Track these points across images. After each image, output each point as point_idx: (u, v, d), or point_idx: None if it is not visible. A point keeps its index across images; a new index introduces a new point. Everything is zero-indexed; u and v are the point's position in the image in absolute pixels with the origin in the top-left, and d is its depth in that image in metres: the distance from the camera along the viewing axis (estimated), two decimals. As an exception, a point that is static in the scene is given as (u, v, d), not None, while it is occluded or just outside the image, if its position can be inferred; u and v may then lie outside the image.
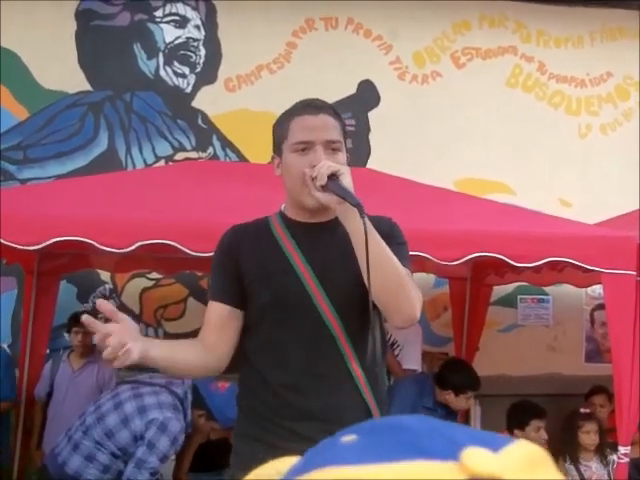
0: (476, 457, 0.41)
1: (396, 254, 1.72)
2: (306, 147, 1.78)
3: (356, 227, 1.66)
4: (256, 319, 1.85)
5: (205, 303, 5.96)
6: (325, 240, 1.84)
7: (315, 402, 1.78)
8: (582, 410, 4.23)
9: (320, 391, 1.79)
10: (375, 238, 1.66)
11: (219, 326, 1.85)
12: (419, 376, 4.28)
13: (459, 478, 0.40)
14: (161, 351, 1.73)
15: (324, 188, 1.68)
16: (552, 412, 4.98)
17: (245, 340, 1.88)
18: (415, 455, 0.42)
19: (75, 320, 4.25)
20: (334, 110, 1.87)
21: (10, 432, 4.19)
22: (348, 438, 0.46)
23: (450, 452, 0.42)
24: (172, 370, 1.85)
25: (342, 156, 1.81)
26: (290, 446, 1.62)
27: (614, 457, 3.53)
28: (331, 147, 1.79)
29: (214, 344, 1.83)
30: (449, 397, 3.91)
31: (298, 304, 1.79)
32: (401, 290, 1.69)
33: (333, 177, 1.67)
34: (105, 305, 1.65)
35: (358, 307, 1.78)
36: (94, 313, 4.92)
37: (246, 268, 1.85)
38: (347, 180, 1.68)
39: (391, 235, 1.81)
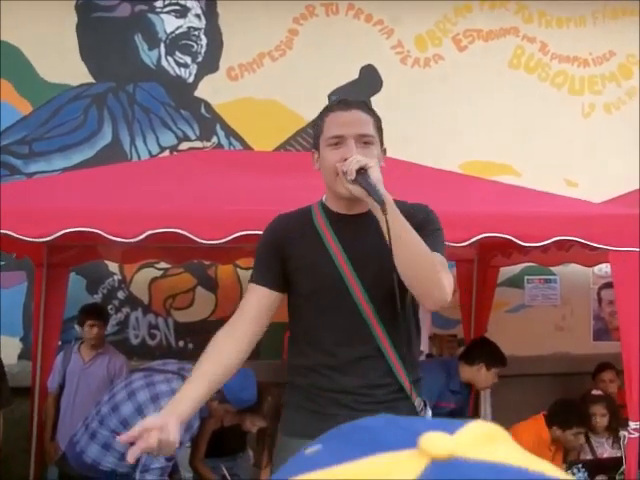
0: (432, 440, 0.42)
1: (429, 240, 1.82)
2: (339, 141, 1.88)
3: (390, 221, 1.76)
4: (299, 306, 2.00)
5: (213, 292, 5.95)
6: (361, 231, 1.95)
7: (352, 380, 1.92)
8: (593, 392, 4.25)
9: (356, 371, 1.93)
10: (403, 228, 1.75)
11: (260, 309, 1.95)
12: (445, 360, 4.29)
13: (419, 462, 0.42)
14: (198, 395, 1.80)
15: (354, 182, 1.78)
16: (561, 391, 5.01)
17: (291, 324, 2.05)
18: (375, 450, 0.43)
19: (87, 313, 4.28)
20: (367, 106, 1.99)
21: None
22: (312, 450, 0.47)
23: (409, 441, 0.43)
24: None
25: (375, 149, 1.91)
26: (331, 411, 1.89)
27: (625, 433, 3.55)
28: (363, 141, 1.88)
29: (248, 329, 1.92)
30: (480, 371, 3.91)
31: (336, 293, 1.93)
32: (431, 275, 1.78)
33: (362, 171, 1.76)
34: (126, 437, 1.69)
35: (391, 294, 1.88)
36: (103, 305, 4.90)
37: (291, 257, 1.97)
38: (375, 174, 1.76)
39: (426, 222, 1.92)
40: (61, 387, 4.27)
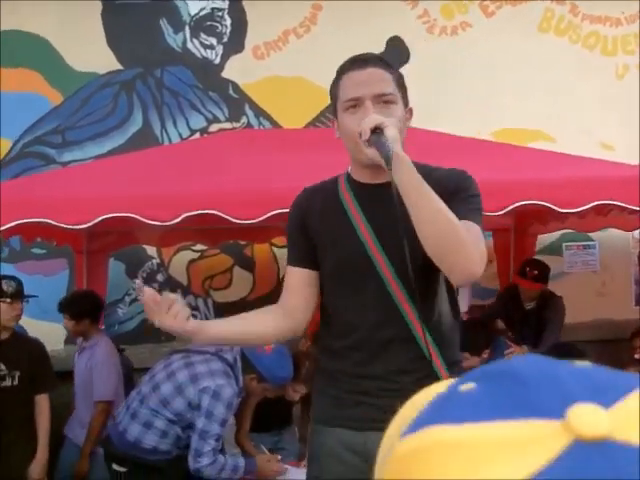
0: (582, 416, 0.36)
1: (461, 207, 1.66)
2: (356, 104, 1.73)
3: (402, 181, 1.59)
4: (325, 284, 1.87)
5: (250, 271, 5.95)
6: (386, 201, 1.71)
7: (379, 366, 1.78)
8: (636, 356, 4.20)
9: (384, 356, 1.78)
10: (416, 190, 1.58)
11: (298, 290, 1.86)
12: None
13: (560, 440, 0.36)
14: (225, 328, 1.83)
15: (369, 143, 1.62)
16: (605, 358, 4.94)
17: (320, 303, 1.92)
18: (526, 413, 0.38)
19: (58, 307, 3.96)
20: (385, 62, 1.82)
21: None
22: (466, 387, 0.42)
23: (558, 408, 0.37)
24: (243, 343, 1.92)
25: (398, 109, 1.75)
26: (351, 397, 1.78)
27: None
28: (382, 100, 1.73)
29: (294, 308, 1.85)
30: None
31: (361, 268, 1.78)
32: (455, 245, 1.59)
33: (377, 130, 1.60)
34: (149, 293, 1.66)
35: (420, 269, 1.70)
36: (82, 296, 4.40)
37: (316, 232, 1.85)
38: (391, 133, 1.60)
39: (460, 188, 1.73)
40: None
